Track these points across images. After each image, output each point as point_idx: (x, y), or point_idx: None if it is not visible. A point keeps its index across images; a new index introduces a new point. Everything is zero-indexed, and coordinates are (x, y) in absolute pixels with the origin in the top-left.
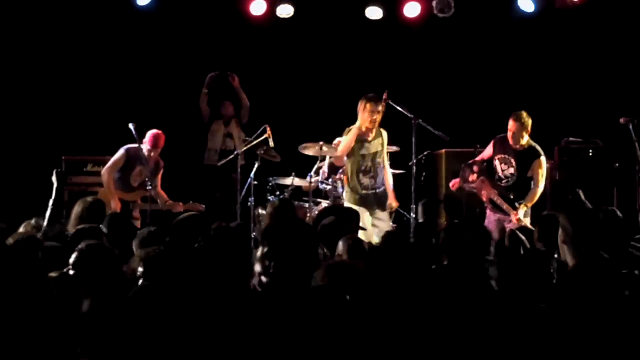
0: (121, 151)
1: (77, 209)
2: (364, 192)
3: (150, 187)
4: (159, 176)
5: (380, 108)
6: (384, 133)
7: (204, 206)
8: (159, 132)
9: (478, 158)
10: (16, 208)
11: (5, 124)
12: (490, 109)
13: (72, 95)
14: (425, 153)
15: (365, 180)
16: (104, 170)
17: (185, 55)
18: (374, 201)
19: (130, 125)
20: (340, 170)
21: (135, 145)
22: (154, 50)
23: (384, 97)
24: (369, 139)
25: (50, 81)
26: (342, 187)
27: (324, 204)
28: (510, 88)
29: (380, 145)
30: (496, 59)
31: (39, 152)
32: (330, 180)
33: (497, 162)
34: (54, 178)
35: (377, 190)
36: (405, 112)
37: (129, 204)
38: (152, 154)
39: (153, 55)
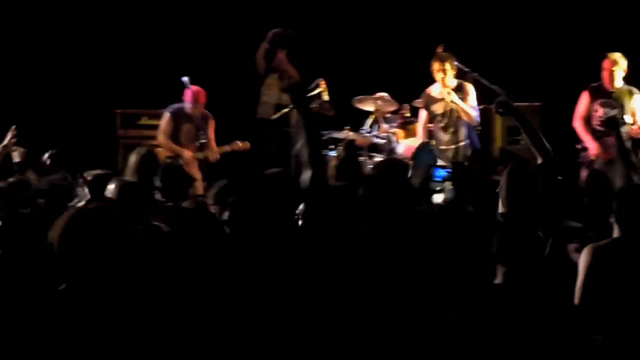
0: (166, 114)
1: (132, 160)
2: (443, 147)
3: (203, 141)
4: (211, 130)
5: (440, 66)
6: (467, 87)
7: (249, 144)
8: (197, 88)
9: (579, 117)
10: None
11: (60, 78)
12: (547, 62)
13: (126, 48)
14: (480, 107)
15: (445, 137)
16: (159, 140)
17: (238, 7)
18: (454, 156)
19: (184, 78)
20: (394, 124)
21: (178, 105)
22: (208, 1)
23: (438, 50)
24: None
25: (104, 34)
26: (397, 141)
27: (378, 158)
28: (568, 40)
29: (461, 100)
30: (552, 8)
31: (94, 105)
32: (384, 134)
33: (598, 107)
34: None
35: (459, 145)
36: (461, 66)
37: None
38: (195, 110)
39: (207, 7)
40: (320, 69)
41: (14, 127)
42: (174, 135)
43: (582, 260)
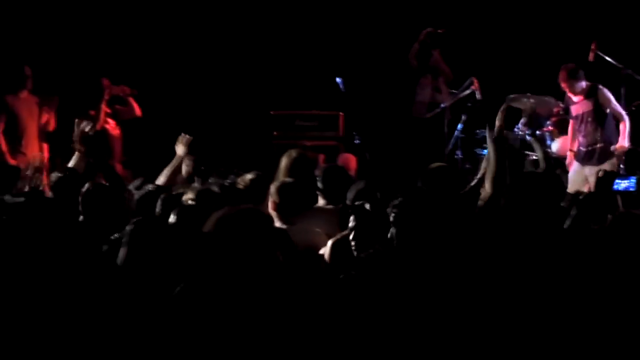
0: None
1: (283, 162)
2: (581, 148)
3: None
4: None
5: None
6: (599, 90)
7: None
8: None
9: None
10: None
11: (216, 80)
12: None
13: (281, 49)
14: (636, 103)
15: (580, 139)
16: None
17: (391, 6)
18: (586, 157)
19: (338, 79)
20: (548, 122)
21: None
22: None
23: (592, 47)
24: (576, 100)
25: (258, 37)
26: (551, 138)
27: (533, 156)
28: None
29: (592, 104)
30: None
31: (249, 107)
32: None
33: None
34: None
35: (589, 148)
36: (614, 63)
37: None
38: None
39: (360, 7)
40: (473, 67)
41: (187, 136)
42: None
43: None
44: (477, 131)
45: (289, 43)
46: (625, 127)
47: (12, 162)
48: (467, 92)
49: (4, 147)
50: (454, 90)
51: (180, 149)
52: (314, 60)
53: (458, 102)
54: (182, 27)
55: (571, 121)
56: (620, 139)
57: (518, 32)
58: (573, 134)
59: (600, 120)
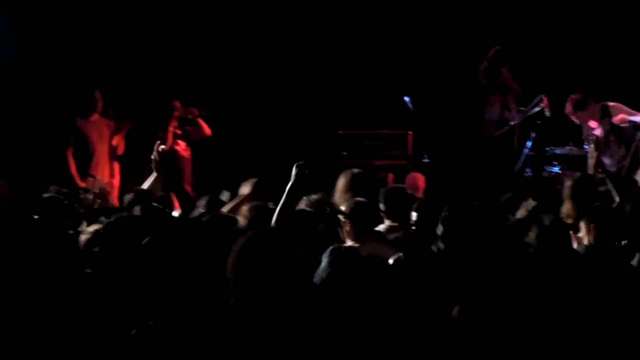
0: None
1: (342, 181)
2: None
3: None
4: None
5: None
6: (610, 108)
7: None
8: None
9: None
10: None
11: (286, 101)
12: None
13: (348, 69)
14: None
15: (606, 161)
16: None
17: (461, 26)
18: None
19: (406, 98)
20: None
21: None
22: (430, 20)
23: None
24: (593, 127)
25: (328, 56)
26: None
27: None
28: None
29: (608, 124)
30: None
31: (317, 127)
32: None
33: None
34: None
35: (618, 166)
36: None
37: None
38: None
39: (428, 27)
40: (542, 84)
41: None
42: None
43: None
44: (547, 149)
45: (358, 62)
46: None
47: (80, 184)
48: (537, 109)
49: (73, 170)
50: (522, 108)
51: (245, 189)
52: (382, 79)
53: (527, 119)
54: (251, 48)
55: None
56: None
57: (586, 47)
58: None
59: (620, 137)
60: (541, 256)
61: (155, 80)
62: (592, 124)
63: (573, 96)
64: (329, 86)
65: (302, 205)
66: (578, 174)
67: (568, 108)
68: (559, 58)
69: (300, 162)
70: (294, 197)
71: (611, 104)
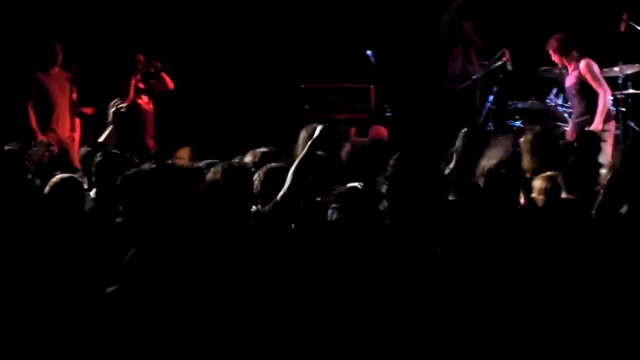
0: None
1: (303, 134)
2: (575, 120)
3: None
4: None
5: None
6: (581, 64)
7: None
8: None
9: None
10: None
11: (248, 55)
12: None
13: (310, 23)
14: None
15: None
16: None
17: None
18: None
19: (368, 52)
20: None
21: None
22: None
23: (624, 18)
24: (569, 72)
25: (290, 10)
26: None
27: (565, 127)
28: None
29: (575, 77)
30: None
31: (279, 80)
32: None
33: None
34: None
35: (579, 120)
36: None
37: None
38: None
39: None
40: (504, 38)
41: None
42: None
43: None
44: (509, 103)
45: (319, 16)
46: (600, 105)
47: (41, 137)
48: (499, 63)
49: (34, 123)
50: (485, 62)
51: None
52: (344, 33)
53: (489, 73)
54: (215, 1)
55: None
56: (595, 118)
57: (548, 1)
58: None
59: (586, 93)
60: (487, 209)
61: (118, 33)
62: (570, 69)
63: (558, 35)
64: (291, 40)
65: (248, 158)
66: (538, 128)
67: (553, 45)
68: (521, 11)
69: (326, 125)
70: (310, 156)
71: (585, 59)
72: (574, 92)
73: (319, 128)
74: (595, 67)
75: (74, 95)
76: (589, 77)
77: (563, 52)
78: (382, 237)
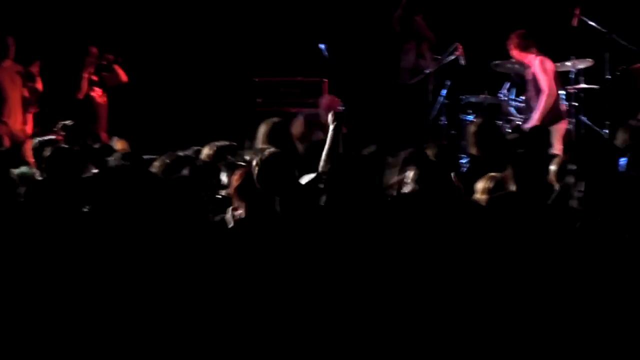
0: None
1: (262, 129)
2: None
3: None
4: None
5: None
6: (535, 60)
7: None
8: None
9: None
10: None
11: (201, 48)
12: None
13: (262, 16)
14: (619, 68)
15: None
16: None
17: None
18: None
19: (321, 46)
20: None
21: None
22: None
23: (576, 12)
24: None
25: (242, 3)
26: None
27: (517, 121)
28: None
29: (532, 74)
30: None
31: (232, 74)
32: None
33: None
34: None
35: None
36: (598, 27)
37: None
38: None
39: None
40: (457, 32)
41: None
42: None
43: None
44: (462, 97)
45: (273, 9)
46: (539, 103)
47: None
48: (451, 57)
49: None
50: (437, 56)
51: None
52: (297, 26)
53: (442, 67)
54: None
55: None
56: (533, 116)
57: None
58: None
59: (538, 90)
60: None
61: (71, 26)
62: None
63: (518, 32)
64: (245, 33)
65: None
66: (480, 119)
67: (512, 42)
68: (474, 5)
69: (339, 111)
70: (337, 141)
71: (539, 57)
72: (531, 87)
73: (330, 115)
74: (548, 66)
75: (39, 88)
76: (537, 75)
77: (523, 48)
78: (318, 233)
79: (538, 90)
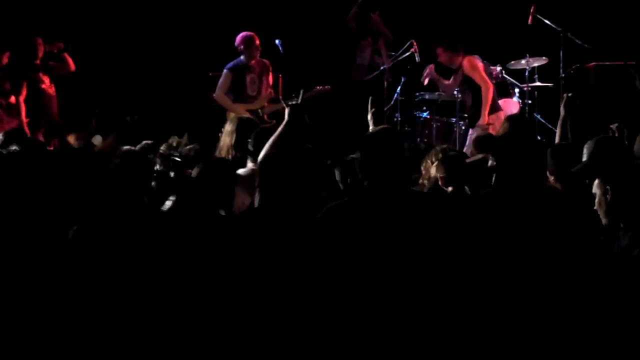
0: (225, 72)
1: (228, 127)
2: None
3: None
4: (270, 76)
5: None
6: (464, 61)
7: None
8: (247, 32)
9: None
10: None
11: (156, 41)
12: None
13: (218, 11)
14: (574, 67)
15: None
16: (216, 96)
17: None
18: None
19: (277, 41)
20: None
21: (236, 60)
22: None
23: (531, 10)
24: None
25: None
26: None
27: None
28: None
29: (462, 75)
30: None
31: (187, 68)
32: None
33: None
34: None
35: (467, 114)
36: (553, 26)
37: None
38: (249, 56)
39: None
40: (413, 30)
41: None
42: (238, 89)
43: None
44: (417, 94)
45: (228, 4)
46: (485, 99)
47: None
48: (407, 54)
49: None
50: (393, 53)
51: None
52: (253, 22)
53: (397, 64)
54: None
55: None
56: (482, 112)
57: None
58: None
59: (472, 89)
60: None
61: (18, 16)
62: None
63: (444, 40)
64: (199, 28)
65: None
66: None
67: (439, 50)
68: (430, 3)
69: (294, 103)
70: (286, 135)
71: (468, 57)
72: (461, 88)
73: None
74: (478, 64)
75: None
76: (472, 74)
77: (452, 50)
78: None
79: (473, 89)
